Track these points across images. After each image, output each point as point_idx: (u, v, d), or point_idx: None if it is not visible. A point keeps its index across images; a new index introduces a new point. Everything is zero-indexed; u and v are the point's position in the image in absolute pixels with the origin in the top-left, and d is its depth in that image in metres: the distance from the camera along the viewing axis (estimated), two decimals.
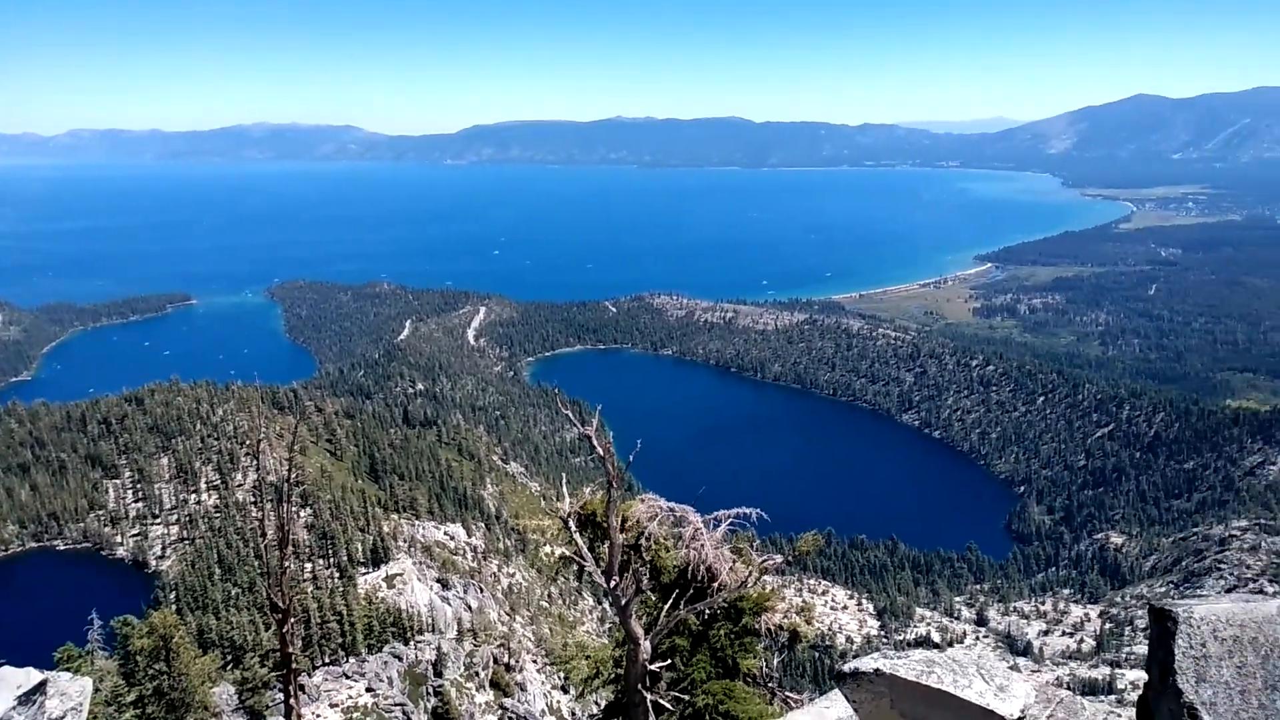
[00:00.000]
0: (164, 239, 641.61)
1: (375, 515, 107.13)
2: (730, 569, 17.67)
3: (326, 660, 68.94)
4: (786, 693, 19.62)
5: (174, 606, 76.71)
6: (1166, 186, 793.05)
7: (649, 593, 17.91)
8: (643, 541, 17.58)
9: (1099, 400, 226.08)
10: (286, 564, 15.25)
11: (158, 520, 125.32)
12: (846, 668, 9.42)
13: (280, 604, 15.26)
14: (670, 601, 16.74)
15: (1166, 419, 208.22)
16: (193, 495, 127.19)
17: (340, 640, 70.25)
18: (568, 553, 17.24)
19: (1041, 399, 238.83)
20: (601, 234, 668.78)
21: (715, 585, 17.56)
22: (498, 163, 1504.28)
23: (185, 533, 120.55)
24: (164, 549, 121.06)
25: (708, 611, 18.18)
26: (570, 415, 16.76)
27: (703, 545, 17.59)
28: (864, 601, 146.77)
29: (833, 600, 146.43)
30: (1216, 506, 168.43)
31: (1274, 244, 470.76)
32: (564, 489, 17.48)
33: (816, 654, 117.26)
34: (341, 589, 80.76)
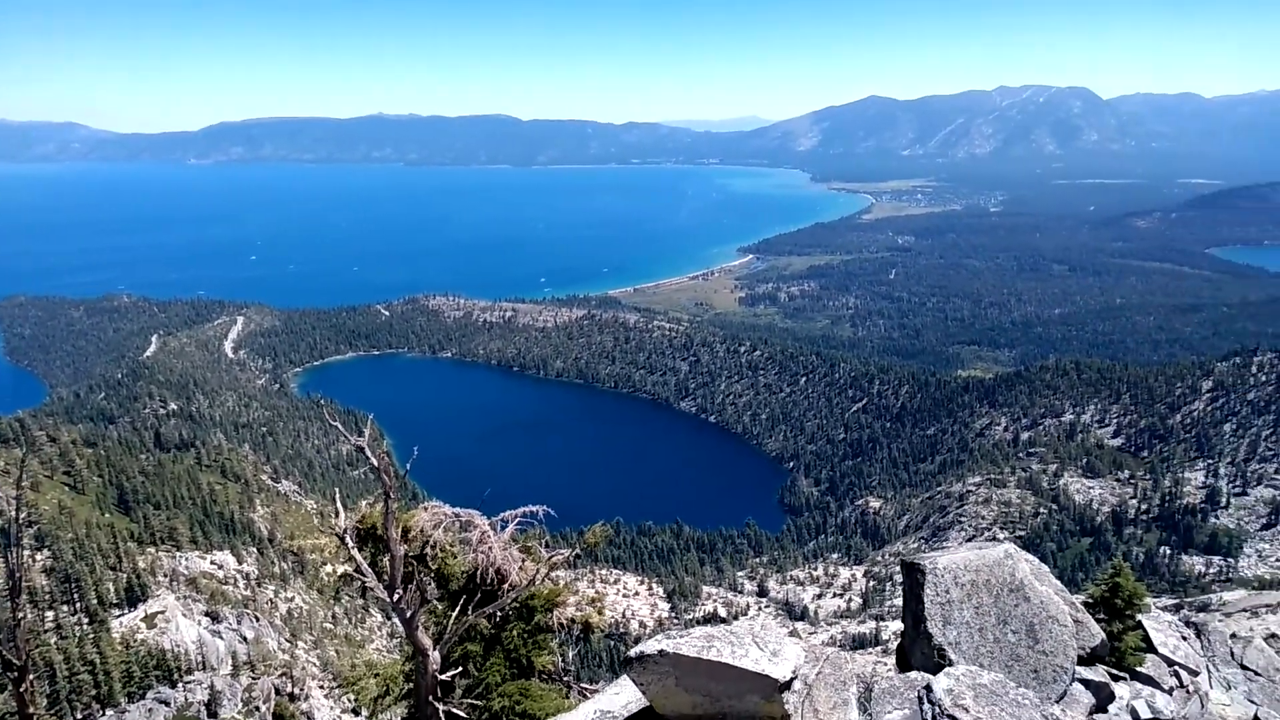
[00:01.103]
0: None
1: (129, 550, 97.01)
2: (519, 568, 17.58)
3: (79, 716, 61.84)
4: (583, 684, 19.83)
5: None
6: (899, 180, 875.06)
7: (436, 602, 17.48)
8: (428, 550, 17.10)
9: (853, 377, 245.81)
10: (20, 615, 13.45)
11: None
12: (633, 652, 9.65)
13: (15, 660, 13.44)
14: (459, 608, 16.40)
15: (910, 391, 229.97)
16: None
17: (94, 692, 63.19)
18: (348, 570, 16.44)
19: (804, 379, 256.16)
20: (369, 235, 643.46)
21: (505, 586, 17.41)
22: (249, 162, 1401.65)
23: None
24: None
25: (499, 613, 17.99)
26: (339, 427, 15.93)
27: (490, 548, 17.37)
28: (654, 585, 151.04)
29: (624, 587, 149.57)
30: (955, 466, 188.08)
31: (988, 230, 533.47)
32: (338, 504, 16.63)
33: (612, 642, 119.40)
34: (92, 635, 72.60)
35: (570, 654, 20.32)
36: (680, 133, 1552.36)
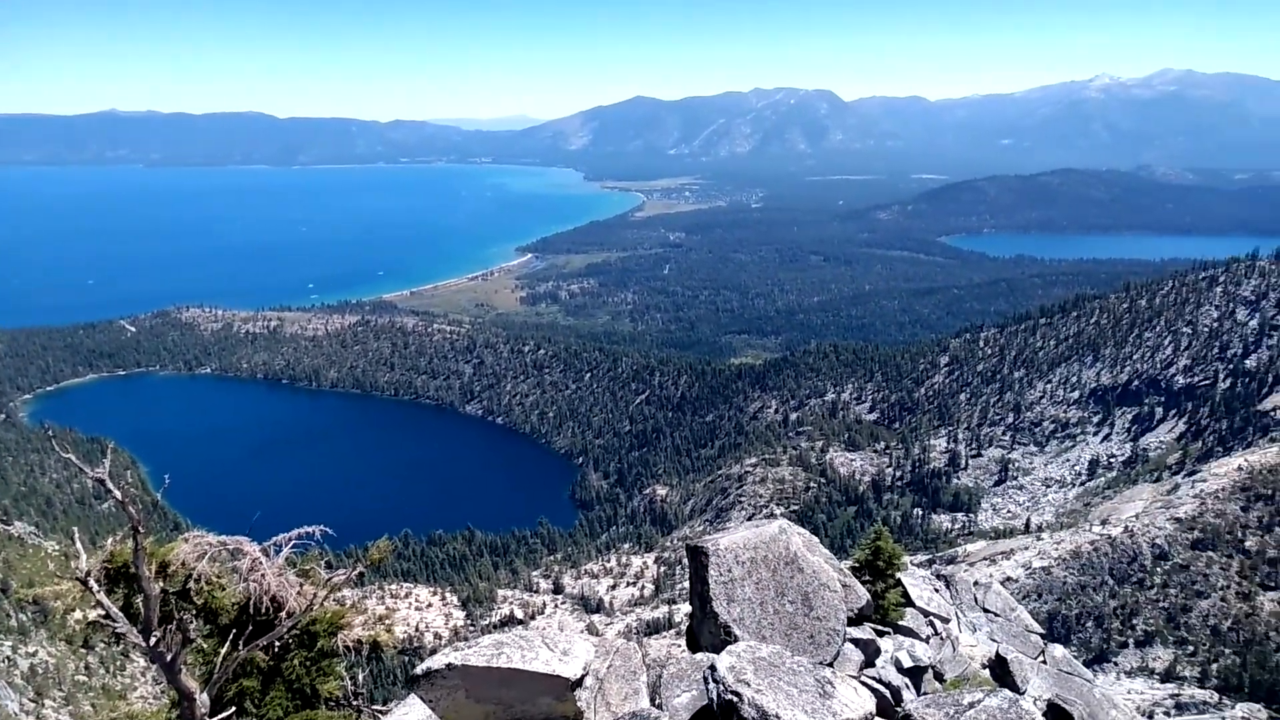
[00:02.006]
0: None
1: None
2: (297, 594, 16.52)
3: None
4: (374, 707, 18.99)
5: None
6: (668, 179, 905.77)
7: (201, 640, 16.10)
8: (192, 585, 15.70)
9: (635, 371, 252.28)
10: None
11: None
12: (419, 670, 9.36)
13: None
14: (229, 643, 15.19)
15: (689, 380, 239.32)
16: None
17: None
18: (95, 616, 14.77)
19: (588, 375, 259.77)
20: (106, 243, 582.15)
21: (282, 615, 16.31)
22: None
23: None
24: None
25: (277, 644, 16.85)
26: (72, 458, 14.25)
27: (263, 575, 16.18)
28: (448, 595, 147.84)
29: (417, 600, 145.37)
30: (734, 449, 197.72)
31: (751, 225, 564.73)
32: (79, 544, 14.90)
33: (406, 658, 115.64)
34: None
35: (360, 676, 19.42)
36: (450, 131, 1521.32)
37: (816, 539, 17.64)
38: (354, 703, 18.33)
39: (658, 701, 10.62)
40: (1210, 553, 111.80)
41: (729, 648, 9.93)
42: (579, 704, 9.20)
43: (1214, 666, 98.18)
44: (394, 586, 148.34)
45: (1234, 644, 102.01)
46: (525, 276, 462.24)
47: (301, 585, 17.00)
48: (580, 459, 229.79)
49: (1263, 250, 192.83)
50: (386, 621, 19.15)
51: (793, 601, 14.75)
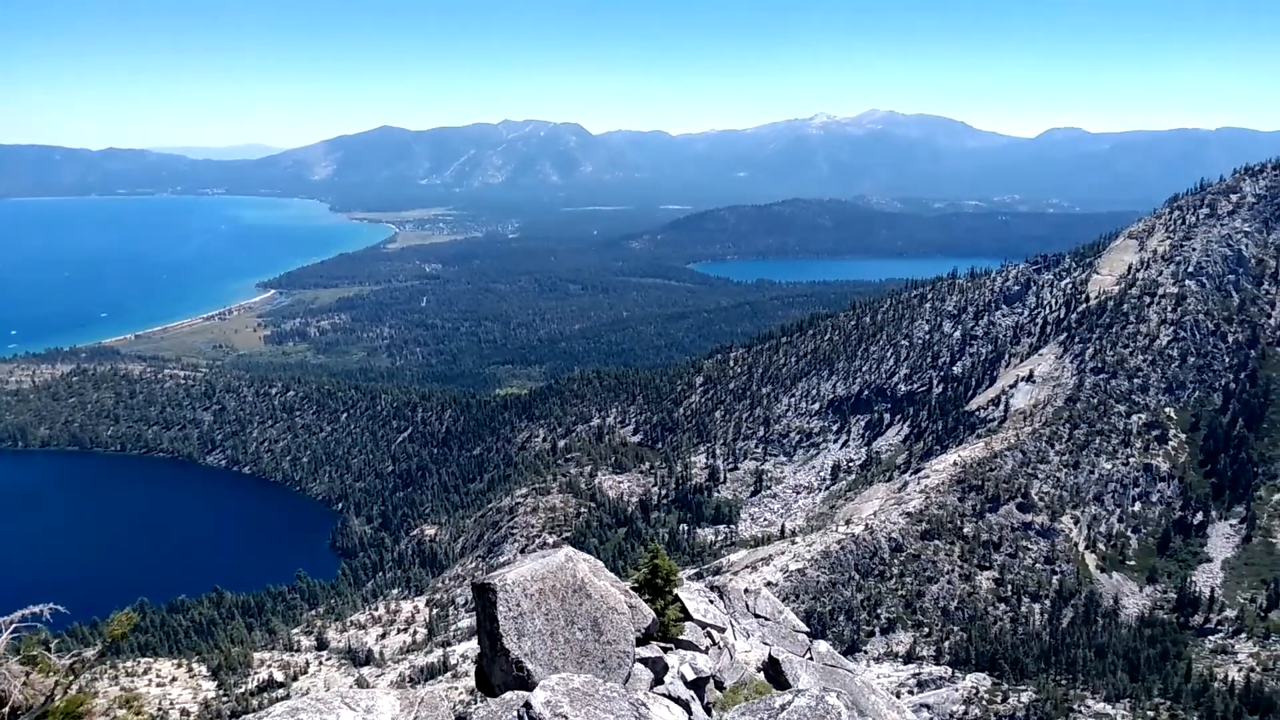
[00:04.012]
0: None
1: None
2: (23, 684, 14.52)
3: None
4: None
5: None
6: (420, 209, 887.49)
7: None
8: None
9: (396, 408, 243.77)
10: None
11: None
12: None
13: None
14: None
15: (454, 414, 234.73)
16: None
17: None
18: None
19: (345, 415, 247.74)
20: None
21: (6, 711, 14.30)
22: None
23: None
24: None
25: None
26: None
27: None
28: (195, 665, 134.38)
29: (158, 675, 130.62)
30: (503, 481, 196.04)
31: (509, 255, 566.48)
32: None
33: None
34: None
35: None
36: (175, 160, 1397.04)
37: (602, 564, 17.95)
38: None
39: None
40: (937, 541, 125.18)
41: (542, 683, 9.89)
42: None
43: (946, 644, 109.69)
44: (130, 663, 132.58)
45: (961, 621, 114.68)
46: (269, 314, 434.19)
47: (28, 674, 14.98)
48: (340, 504, 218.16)
49: (960, 270, 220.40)
50: (136, 703, 17.30)
51: (583, 629, 14.91)
